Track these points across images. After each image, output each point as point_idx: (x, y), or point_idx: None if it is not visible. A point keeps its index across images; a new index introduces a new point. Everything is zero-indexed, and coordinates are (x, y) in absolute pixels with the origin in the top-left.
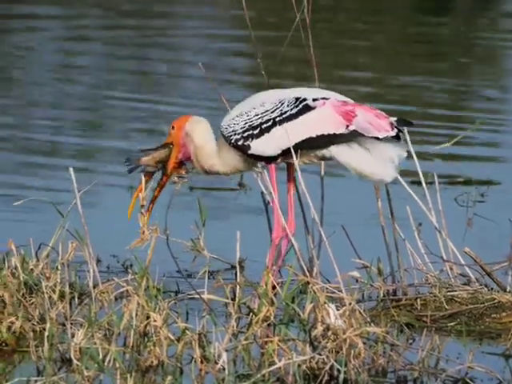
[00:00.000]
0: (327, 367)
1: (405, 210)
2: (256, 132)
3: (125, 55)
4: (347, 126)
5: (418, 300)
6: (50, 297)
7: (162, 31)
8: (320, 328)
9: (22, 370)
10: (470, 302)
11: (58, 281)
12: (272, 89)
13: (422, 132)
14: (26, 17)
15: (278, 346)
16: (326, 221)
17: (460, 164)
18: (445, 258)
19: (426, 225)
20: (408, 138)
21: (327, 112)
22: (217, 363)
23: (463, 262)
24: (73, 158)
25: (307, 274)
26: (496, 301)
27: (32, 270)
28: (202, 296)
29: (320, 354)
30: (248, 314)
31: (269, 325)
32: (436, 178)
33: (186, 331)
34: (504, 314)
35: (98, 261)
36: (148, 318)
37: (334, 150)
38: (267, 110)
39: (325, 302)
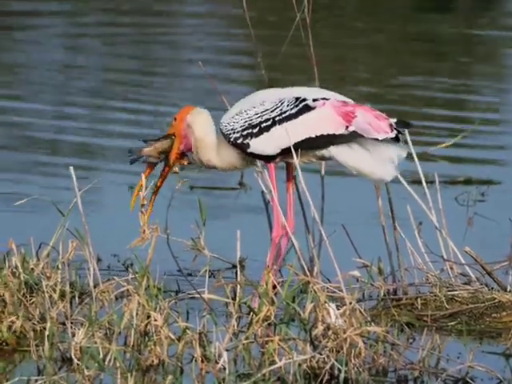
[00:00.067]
0: (328, 366)
1: (405, 210)
2: (255, 131)
3: (125, 53)
4: (347, 127)
5: (419, 299)
6: (50, 296)
7: (163, 29)
8: (320, 327)
9: (23, 369)
10: (471, 302)
11: (59, 280)
12: (272, 87)
13: (421, 132)
14: (27, 14)
15: (279, 345)
16: (327, 220)
17: (460, 163)
18: (445, 257)
19: (427, 224)
20: (408, 138)
21: (327, 112)
22: (217, 363)
23: (464, 262)
24: (73, 156)
25: (308, 273)
26: (496, 300)
27: (32, 269)
28: (203, 295)
29: (320, 354)
30: (248, 314)
31: (269, 324)
32: (436, 177)
33: (187, 330)
34: (504, 313)
35: (99, 260)
36: (148, 317)
37: (334, 150)
38: (267, 109)
39: (325, 302)
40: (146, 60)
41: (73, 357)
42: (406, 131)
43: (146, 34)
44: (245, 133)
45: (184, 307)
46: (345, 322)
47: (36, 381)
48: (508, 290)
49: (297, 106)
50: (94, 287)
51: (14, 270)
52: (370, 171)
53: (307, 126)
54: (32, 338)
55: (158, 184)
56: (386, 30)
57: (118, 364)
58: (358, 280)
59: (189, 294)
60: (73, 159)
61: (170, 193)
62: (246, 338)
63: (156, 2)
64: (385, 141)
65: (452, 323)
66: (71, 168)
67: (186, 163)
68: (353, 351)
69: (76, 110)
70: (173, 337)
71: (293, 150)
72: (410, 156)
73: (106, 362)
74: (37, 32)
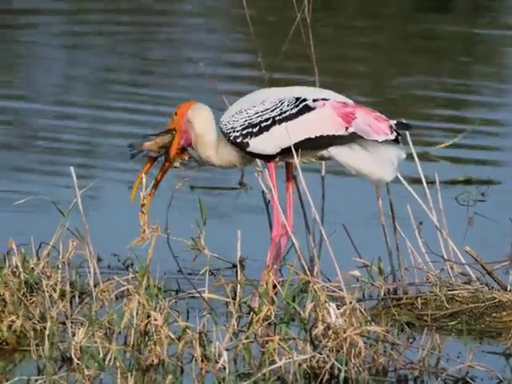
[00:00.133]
0: (328, 366)
1: (405, 209)
2: (255, 130)
3: (125, 51)
4: (346, 128)
5: (419, 299)
6: (50, 296)
7: (162, 27)
8: (321, 327)
9: (23, 368)
10: (471, 301)
11: (59, 280)
12: (272, 85)
13: (421, 133)
14: (28, 12)
15: (279, 344)
16: (327, 220)
17: (460, 163)
18: (445, 257)
19: (427, 224)
20: (409, 137)
21: (327, 113)
22: (217, 362)
23: (464, 261)
24: (73, 156)
25: (308, 272)
26: (497, 300)
27: (33, 268)
28: (203, 295)
29: (320, 353)
30: (249, 313)
31: (269, 324)
32: (437, 177)
33: (187, 330)
34: (504, 313)
35: (99, 260)
36: (149, 316)
37: (334, 151)
38: (267, 109)
39: (325, 301)
40: (146, 58)
41: (73, 356)
42: (407, 132)
43: (146, 32)
44: (245, 132)
45: (184, 307)
46: (345, 321)
47: (36, 380)
48: (508, 289)
49: (297, 106)
50: (95, 287)
51: (15, 269)
52: (370, 172)
53: (307, 126)
54: (32, 338)
55: (158, 178)
56: (386, 29)
57: (118, 363)
58: (358, 279)
59: (189, 293)
60: (73, 159)
61: (170, 193)
62: (246, 338)
63: (156, 0)
64: (384, 142)
65: (452, 323)
66: (71, 168)
67: (186, 158)
68: (353, 351)
69: (76, 110)
70: (173, 336)
71: (293, 149)
72: (410, 156)
73: (106, 362)
74: (37, 30)
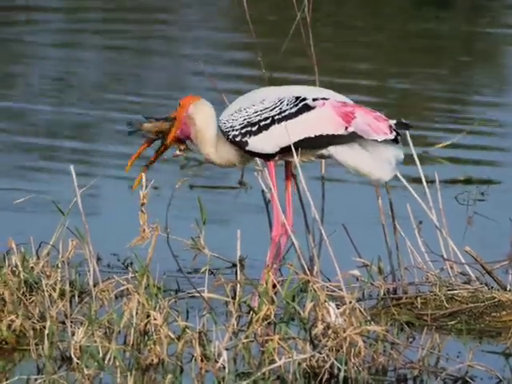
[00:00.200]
0: (327, 366)
1: (405, 209)
2: (254, 129)
3: (125, 50)
4: (346, 128)
5: (419, 298)
6: (50, 295)
7: (162, 24)
8: (320, 326)
9: (22, 368)
10: (471, 301)
11: (59, 279)
12: (272, 84)
13: (422, 133)
14: (28, 9)
15: (279, 344)
16: (327, 220)
17: (460, 163)
18: (445, 256)
19: (427, 223)
20: (408, 137)
21: (327, 112)
22: (217, 362)
23: (463, 261)
24: (73, 156)
25: (308, 272)
26: (496, 299)
27: (32, 268)
28: (203, 294)
29: (320, 353)
30: (248, 313)
31: (269, 323)
32: (436, 176)
33: (187, 330)
34: (504, 312)
35: (99, 259)
36: (148, 316)
37: (333, 150)
38: (266, 108)
39: (325, 301)
40: (146, 56)
41: (72, 356)
42: (407, 132)
43: (145, 30)
44: (244, 131)
45: (184, 306)
46: (344, 321)
47: (36, 380)
48: (508, 289)
49: (296, 105)
50: (94, 286)
51: (14, 268)
52: (369, 171)
53: (306, 125)
54: (32, 337)
55: (152, 158)
56: (386, 28)
57: (117, 363)
58: (357, 279)
59: (188, 293)
60: (72, 158)
61: (169, 192)
62: (246, 337)
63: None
64: (384, 142)
65: (452, 322)
66: (71, 167)
67: (183, 147)
68: (352, 350)
69: (76, 109)
70: (172, 336)
71: (293, 149)
72: (410, 157)
73: (106, 361)
74: (38, 27)
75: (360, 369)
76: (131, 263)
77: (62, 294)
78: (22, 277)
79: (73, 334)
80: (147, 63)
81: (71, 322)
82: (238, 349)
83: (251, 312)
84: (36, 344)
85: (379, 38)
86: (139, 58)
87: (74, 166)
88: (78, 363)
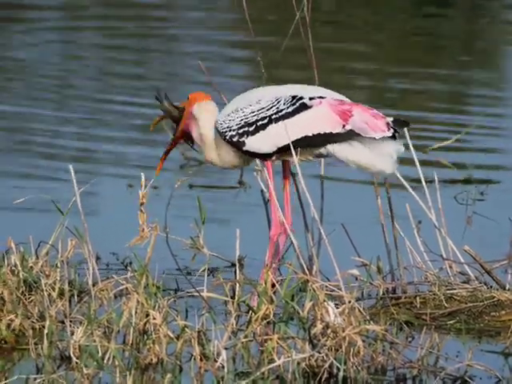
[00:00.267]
0: (326, 365)
1: (404, 208)
2: (251, 129)
3: (124, 49)
4: (344, 126)
5: (418, 298)
6: (49, 294)
7: (162, 22)
8: (319, 326)
9: (22, 367)
10: (470, 300)
11: (58, 278)
12: (271, 83)
13: (420, 133)
14: (26, 7)
15: (278, 343)
16: (326, 219)
17: (460, 162)
18: (444, 256)
19: (426, 223)
20: (407, 135)
21: (324, 111)
22: (216, 361)
23: (463, 260)
24: (72, 155)
25: (307, 272)
26: (495, 299)
27: (31, 267)
28: (202, 294)
29: (319, 352)
30: (247, 312)
31: (268, 323)
32: (436, 176)
33: (186, 329)
34: (503, 312)
35: (98, 258)
36: (147, 315)
37: (332, 148)
38: (263, 108)
39: (324, 300)
40: (146, 54)
41: (72, 355)
42: (405, 130)
43: (145, 27)
44: (241, 131)
45: (183, 305)
46: (344, 320)
47: (35, 379)
48: (507, 288)
49: (293, 104)
50: (93, 285)
51: (13, 268)
52: (371, 164)
53: (304, 124)
54: (31, 337)
55: (167, 148)
56: (386, 27)
57: (116, 362)
58: (357, 279)
59: (188, 292)
60: (72, 157)
61: (169, 191)
62: (245, 337)
63: None
64: (382, 139)
65: (451, 322)
66: (70, 166)
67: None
68: (352, 350)
69: (75, 109)
70: (172, 335)
71: (292, 149)
72: (410, 160)
73: (105, 361)
74: (34, 25)
75: (359, 368)
76: (130, 263)
77: (61, 294)
78: (21, 276)
79: (72, 334)
80: (147, 62)
81: (70, 321)
82: (237, 348)
83: (250, 311)
84: (35, 343)
85: (379, 37)
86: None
87: (73, 166)
88: (77, 362)
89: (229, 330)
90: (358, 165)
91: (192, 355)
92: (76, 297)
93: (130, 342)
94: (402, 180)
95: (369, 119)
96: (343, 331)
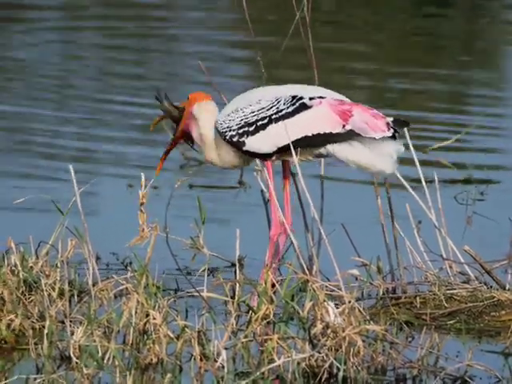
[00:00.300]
0: (326, 365)
1: (404, 208)
2: (251, 129)
3: (124, 49)
4: (344, 126)
5: (418, 298)
6: (49, 294)
7: (162, 22)
8: (319, 326)
9: (22, 367)
10: (470, 300)
11: (58, 278)
12: (271, 82)
13: (420, 133)
14: (26, 7)
15: (278, 343)
16: (326, 219)
17: (460, 162)
18: (444, 256)
19: (426, 223)
20: (407, 135)
21: (324, 111)
22: (216, 361)
23: (463, 260)
24: (72, 155)
25: (307, 272)
26: (495, 299)
27: (31, 267)
28: (202, 294)
29: (319, 352)
30: (247, 312)
31: (268, 323)
32: (436, 176)
33: (186, 329)
34: (503, 312)
35: (98, 258)
36: (147, 315)
37: (332, 148)
38: (263, 108)
39: (324, 300)
40: (146, 54)
41: (72, 355)
42: (405, 130)
43: (145, 27)
44: (241, 131)
45: (183, 305)
46: (344, 320)
47: (35, 379)
48: (507, 288)
49: (293, 104)
50: (93, 285)
51: (13, 268)
52: (371, 164)
53: (304, 124)
54: (31, 337)
55: (167, 148)
56: (386, 27)
57: (116, 362)
58: (357, 279)
59: (188, 292)
60: (72, 157)
61: (169, 191)
62: (245, 337)
63: None
64: (382, 139)
65: (451, 322)
66: (70, 166)
67: (189, 145)
68: (352, 350)
69: (75, 108)
70: (172, 335)
71: (292, 149)
72: (410, 160)
73: (105, 361)
74: (34, 25)
75: (359, 368)
76: (130, 263)
77: (61, 294)
78: (21, 276)
79: (72, 334)
80: (147, 62)
81: (70, 321)
82: (237, 348)
83: (250, 311)
84: (35, 343)
85: (379, 37)
86: (138, 56)
87: (73, 166)
88: (77, 362)
89: (229, 330)
90: (358, 165)
91: (192, 355)
92: (76, 297)
93: (130, 342)
94: (402, 180)
95: (369, 119)
96: (343, 331)
